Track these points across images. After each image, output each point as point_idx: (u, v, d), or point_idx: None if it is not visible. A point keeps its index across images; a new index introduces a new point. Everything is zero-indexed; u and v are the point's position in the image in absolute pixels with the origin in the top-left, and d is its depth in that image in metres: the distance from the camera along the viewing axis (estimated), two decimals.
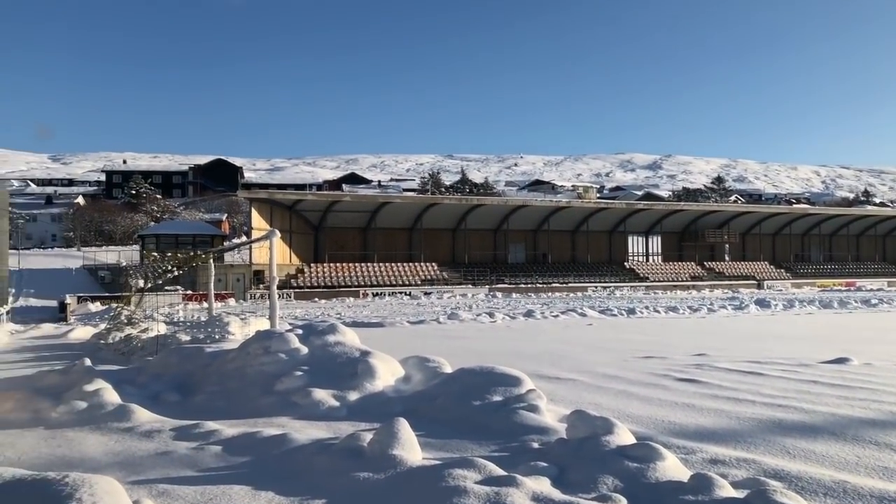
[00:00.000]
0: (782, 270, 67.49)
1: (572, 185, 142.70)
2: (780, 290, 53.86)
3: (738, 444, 4.87)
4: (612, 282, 58.24)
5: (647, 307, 24.50)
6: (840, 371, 8.37)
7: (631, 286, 56.84)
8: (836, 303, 26.71)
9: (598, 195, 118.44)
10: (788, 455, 4.56)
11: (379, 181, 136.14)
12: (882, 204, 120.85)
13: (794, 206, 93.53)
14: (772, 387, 7.29)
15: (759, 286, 60.03)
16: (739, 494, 3.41)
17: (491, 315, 20.63)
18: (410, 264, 56.78)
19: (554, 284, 55.65)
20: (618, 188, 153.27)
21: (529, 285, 54.89)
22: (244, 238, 54.93)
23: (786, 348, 11.20)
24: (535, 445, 4.71)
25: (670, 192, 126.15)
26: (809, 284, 61.73)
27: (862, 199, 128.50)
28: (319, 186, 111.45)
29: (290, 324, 15.73)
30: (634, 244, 67.27)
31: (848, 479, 3.93)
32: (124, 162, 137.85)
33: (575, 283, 56.77)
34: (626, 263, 64.64)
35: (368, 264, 55.58)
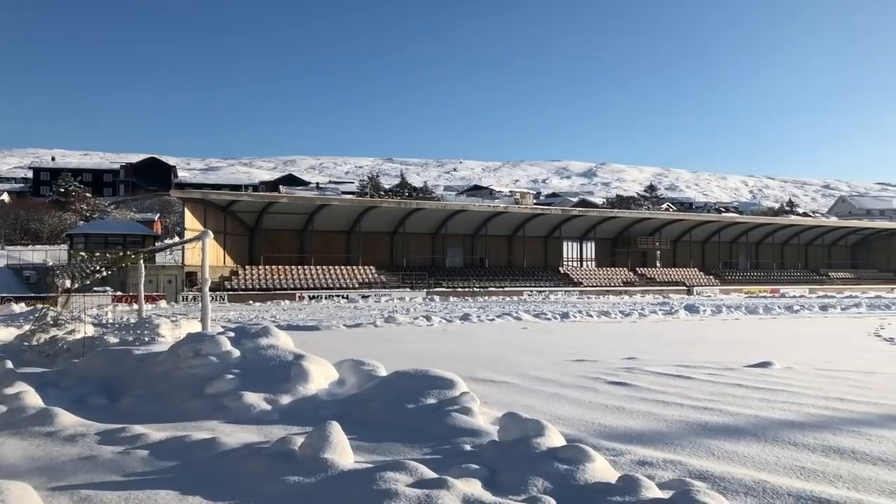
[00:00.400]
0: (711, 277, 69.46)
1: (510, 191, 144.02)
2: (709, 296, 55.38)
3: (665, 445, 4.99)
4: (547, 286, 59.02)
5: (580, 311, 24.89)
6: (763, 375, 8.66)
7: (565, 291, 57.68)
8: (762, 309, 27.61)
9: (534, 201, 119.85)
10: (713, 456, 4.69)
11: (317, 183, 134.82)
12: (805, 214, 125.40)
13: (723, 214, 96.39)
14: (699, 390, 7.50)
15: (689, 292, 61.63)
16: (665, 495, 3.49)
17: (428, 318, 20.67)
18: (348, 267, 56.45)
19: (491, 288, 56.10)
20: (554, 194, 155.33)
21: (467, 289, 55.18)
22: (177, 239, 53.74)
23: (713, 352, 11.52)
24: (468, 448, 4.74)
25: (604, 200, 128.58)
26: (737, 291, 63.66)
27: (786, 208, 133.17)
28: (256, 187, 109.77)
29: (222, 326, 15.45)
30: (569, 250, 68.34)
31: (768, 478, 4.07)
32: (53, 159, 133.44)
33: (511, 287, 57.34)
34: (560, 268, 65.59)
35: (305, 267, 55.02)
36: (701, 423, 5.80)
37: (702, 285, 65.49)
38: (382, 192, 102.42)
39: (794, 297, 52.13)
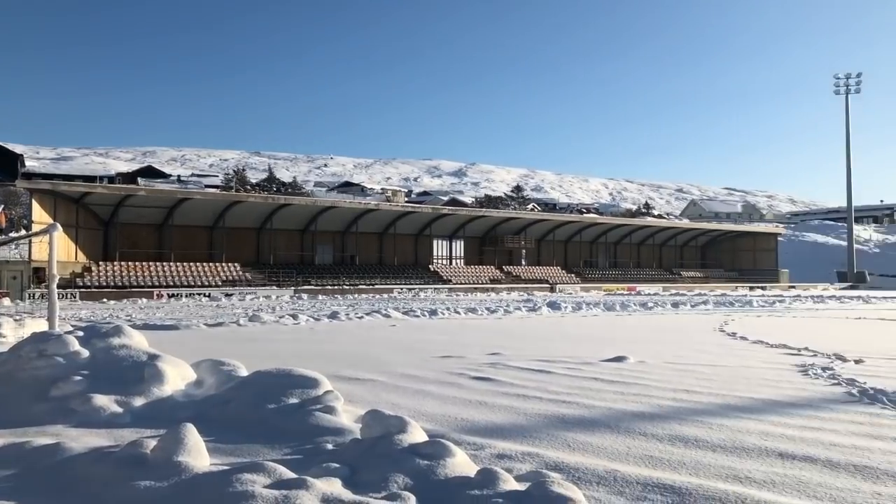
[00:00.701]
0: (573, 275, 72.20)
1: (381, 189, 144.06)
2: (571, 294, 57.54)
3: (524, 438, 5.12)
4: (417, 284, 59.42)
5: (448, 308, 25.22)
6: (618, 369, 9.07)
7: (435, 288, 58.27)
8: (618, 305, 28.95)
9: (406, 199, 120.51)
10: (569, 448, 4.85)
11: (178, 176, 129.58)
12: (660, 216, 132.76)
13: (585, 215, 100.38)
14: (558, 384, 7.76)
15: (552, 289, 63.76)
16: (521, 487, 3.58)
17: (294, 317, 20.30)
18: (211, 264, 54.59)
19: (361, 286, 55.85)
20: (425, 193, 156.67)
21: (336, 287, 54.68)
22: (23, 232, 50.14)
23: (572, 348, 11.96)
24: (330, 447, 4.68)
25: (474, 199, 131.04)
26: (596, 288, 66.45)
27: (643, 210, 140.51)
28: (112, 179, 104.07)
29: (72, 325, 14.56)
30: (439, 248, 69.15)
31: (619, 467, 4.26)
32: None
33: (381, 284, 57.32)
34: (430, 266, 66.23)
35: (164, 264, 52.73)
36: (559, 416, 5.99)
37: (564, 283, 67.93)
38: (249, 187, 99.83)
39: (649, 294, 55.01)
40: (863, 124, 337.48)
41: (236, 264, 55.18)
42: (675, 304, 31.54)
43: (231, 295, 48.11)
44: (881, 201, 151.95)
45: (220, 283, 51.65)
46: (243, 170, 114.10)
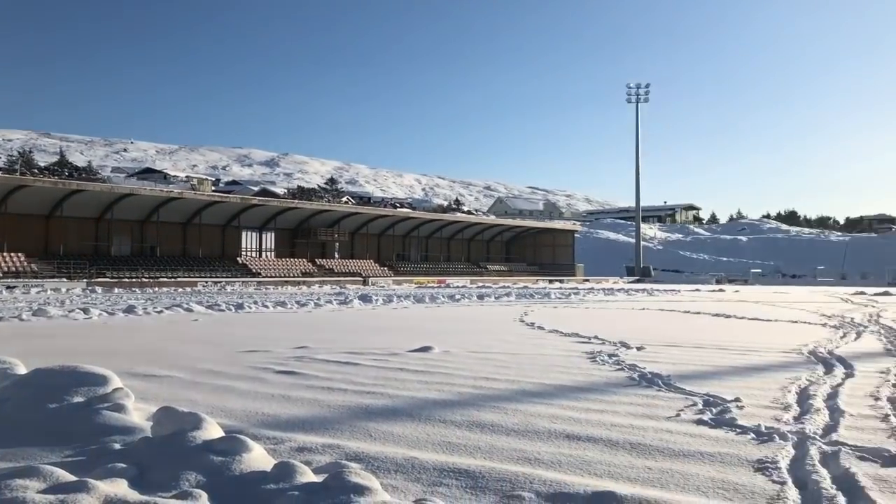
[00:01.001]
0: (386, 268, 72.92)
1: (186, 176, 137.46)
2: (383, 287, 58.05)
3: (326, 431, 5.11)
4: (224, 277, 57.33)
5: (255, 302, 24.59)
6: (424, 359, 9.28)
7: (243, 281, 56.52)
8: (428, 298, 29.62)
9: (213, 188, 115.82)
10: (370, 438, 4.91)
11: None
12: (469, 212, 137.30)
13: (398, 209, 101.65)
14: (364, 375, 7.81)
15: (365, 282, 64.01)
16: (319, 479, 3.57)
17: (86, 311, 18.89)
18: None
19: (162, 279, 52.97)
20: (234, 182, 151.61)
21: (134, 279, 51.50)
22: None
23: (381, 339, 12.08)
24: (117, 447, 4.41)
25: (286, 190, 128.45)
26: (408, 281, 67.54)
27: (454, 206, 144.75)
28: None
29: None
30: (248, 239, 67.14)
31: (418, 455, 4.36)
32: None
33: (185, 277, 54.69)
34: (239, 259, 64.18)
35: None
36: (363, 406, 6.04)
37: (377, 276, 68.41)
38: (37, 171, 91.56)
39: (458, 287, 56.74)
40: (651, 131, 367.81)
41: (20, 254, 50.36)
42: (481, 297, 32.75)
43: (14, 287, 43.79)
44: (665, 202, 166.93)
45: (0, 276, 46.96)
46: (30, 152, 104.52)
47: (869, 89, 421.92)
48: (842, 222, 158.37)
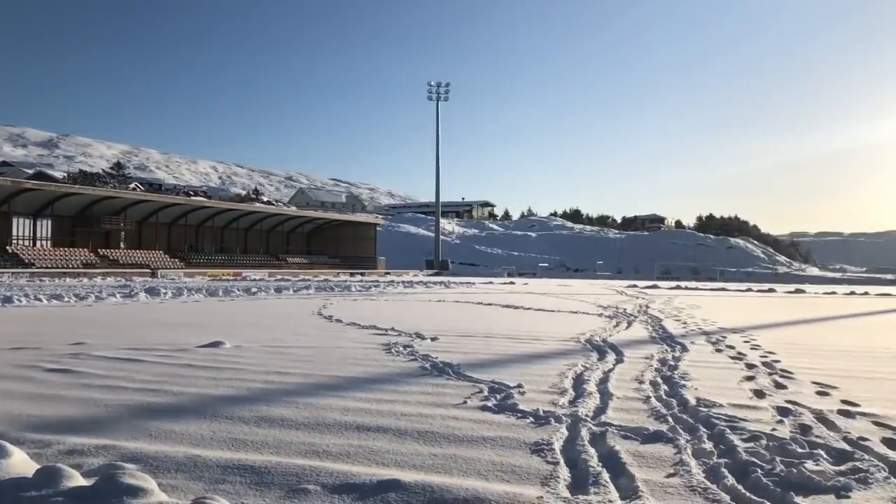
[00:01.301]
0: (176, 259, 69.33)
1: None
2: (174, 279, 55.16)
3: (101, 432, 4.79)
4: None
5: (27, 295, 22.44)
6: (214, 354, 8.96)
7: (14, 273, 51.29)
8: (222, 291, 28.55)
9: None
10: (151, 437, 4.66)
11: None
12: (269, 202, 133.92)
13: (192, 198, 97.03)
14: (148, 372, 7.40)
15: (154, 274, 60.48)
16: (89, 482, 3.34)
17: None
18: None
19: None
20: (5, 164, 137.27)
21: None
22: None
23: (168, 334, 11.49)
24: None
25: (66, 174, 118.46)
26: (201, 274, 64.67)
27: (252, 196, 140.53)
28: None
29: None
30: (21, 227, 61.04)
31: (201, 453, 4.21)
32: None
33: None
34: (9, 248, 58.20)
35: None
36: (144, 405, 5.72)
37: (167, 268, 64.86)
38: None
39: (255, 280, 55.12)
40: (450, 129, 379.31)
41: None
42: (279, 290, 32.08)
43: None
44: (463, 199, 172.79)
45: None
46: None
47: (632, 93, 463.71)
48: (619, 221, 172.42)
